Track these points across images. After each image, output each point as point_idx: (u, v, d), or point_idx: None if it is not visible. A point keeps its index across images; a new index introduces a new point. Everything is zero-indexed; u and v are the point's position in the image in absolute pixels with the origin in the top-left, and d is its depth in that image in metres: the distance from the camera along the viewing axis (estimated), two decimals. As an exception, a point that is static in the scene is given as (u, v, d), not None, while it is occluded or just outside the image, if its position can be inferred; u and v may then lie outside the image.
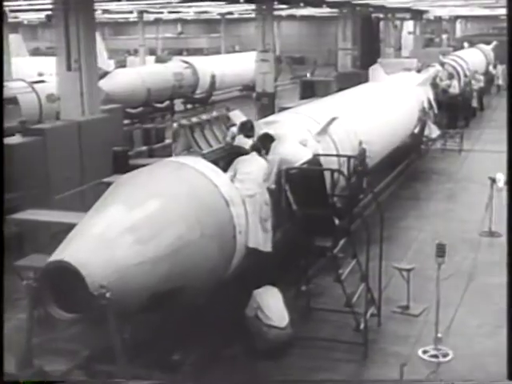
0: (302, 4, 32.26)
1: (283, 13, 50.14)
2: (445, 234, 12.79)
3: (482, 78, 28.24)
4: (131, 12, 40.42)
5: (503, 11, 31.52)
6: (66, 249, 6.30)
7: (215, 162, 8.22)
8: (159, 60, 41.79)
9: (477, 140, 22.30)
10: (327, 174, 8.74)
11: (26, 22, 53.65)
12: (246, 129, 8.78)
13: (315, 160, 8.93)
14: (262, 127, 8.95)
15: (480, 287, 10.28)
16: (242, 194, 7.85)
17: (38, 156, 11.96)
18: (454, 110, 22.96)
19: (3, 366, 5.58)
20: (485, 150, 20.50)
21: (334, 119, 10.58)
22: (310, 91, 24.14)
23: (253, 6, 26.44)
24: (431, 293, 9.09)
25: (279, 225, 8.41)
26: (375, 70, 19.12)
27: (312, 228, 8.26)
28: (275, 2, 27.09)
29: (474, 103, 26.58)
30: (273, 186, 8.25)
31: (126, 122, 26.79)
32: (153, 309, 6.93)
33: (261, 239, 8.00)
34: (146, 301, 6.71)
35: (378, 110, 14.17)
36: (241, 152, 8.68)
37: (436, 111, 19.43)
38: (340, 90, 20.90)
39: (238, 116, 10.63)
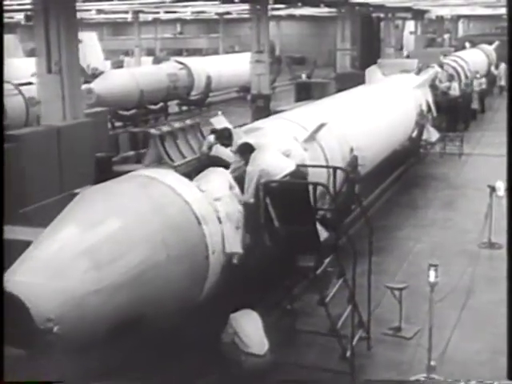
0: (299, 4, 31.60)
1: (283, 12, 49.49)
2: (442, 245, 12.22)
3: (483, 79, 27.50)
4: (127, 12, 39.68)
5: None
6: (10, 276, 5.64)
7: (189, 175, 7.56)
8: (157, 61, 41.22)
9: (477, 143, 21.61)
10: (312, 187, 8.05)
11: (23, 23, 52.98)
12: (224, 137, 8.06)
13: (300, 172, 8.23)
14: (241, 135, 8.25)
15: (478, 306, 9.59)
16: (209, 201, 7.20)
17: (11, 164, 11.26)
18: (454, 113, 22.24)
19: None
20: (486, 153, 19.80)
21: (322, 125, 9.90)
22: (305, 93, 23.43)
23: (249, 6, 25.77)
24: (426, 312, 8.42)
25: (259, 242, 7.74)
26: (372, 72, 18.46)
27: (295, 246, 7.58)
28: (270, 2, 26.48)
29: (475, 105, 25.85)
30: (251, 200, 7.60)
31: (118, 124, 26.40)
32: (114, 339, 6.27)
33: (239, 245, 7.34)
34: (106, 332, 6.05)
35: (373, 114, 13.47)
36: (218, 163, 8.02)
37: (435, 114, 18.74)
38: (339, 91, 20.25)
39: (221, 122, 9.94)
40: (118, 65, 44.72)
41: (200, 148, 8.06)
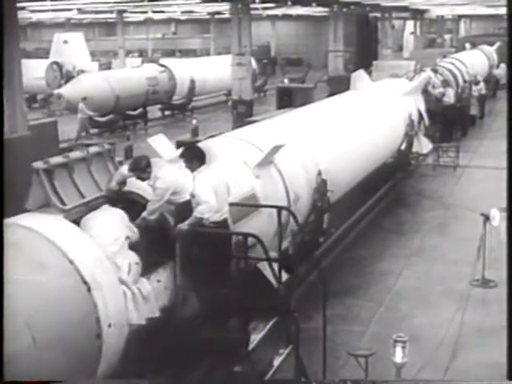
0: (289, 2, 29.93)
1: (279, 12, 47.80)
2: (427, 283, 10.54)
3: (482, 83, 25.70)
4: (111, 12, 38.07)
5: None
6: None
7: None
8: (146, 62, 39.65)
9: (474, 153, 19.81)
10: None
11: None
12: (140, 168, 6.33)
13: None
14: (162, 165, 6.49)
15: (466, 370, 7.88)
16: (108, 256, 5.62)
17: None
18: (449, 121, 20.47)
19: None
20: (483, 165, 18.02)
21: (277, 148, 8.23)
22: (287, 100, 21.72)
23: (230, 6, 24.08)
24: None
25: (181, 305, 6.10)
26: (358, 77, 16.76)
27: (223, 310, 5.94)
28: (257, 1, 24.88)
29: (473, 111, 24.03)
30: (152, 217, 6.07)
31: (94, 131, 24.76)
32: None
33: (131, 311, 5.66)
34: None
35: (350, 129, 11.78)
36: (133, 201, 6.36)
37: (427, 123, 17.02)
38: (331, 94, 18.56)
39: (161, 143, 8.26)
40: (107, 66, 43.23)
41: (109, 183, 6.35)
